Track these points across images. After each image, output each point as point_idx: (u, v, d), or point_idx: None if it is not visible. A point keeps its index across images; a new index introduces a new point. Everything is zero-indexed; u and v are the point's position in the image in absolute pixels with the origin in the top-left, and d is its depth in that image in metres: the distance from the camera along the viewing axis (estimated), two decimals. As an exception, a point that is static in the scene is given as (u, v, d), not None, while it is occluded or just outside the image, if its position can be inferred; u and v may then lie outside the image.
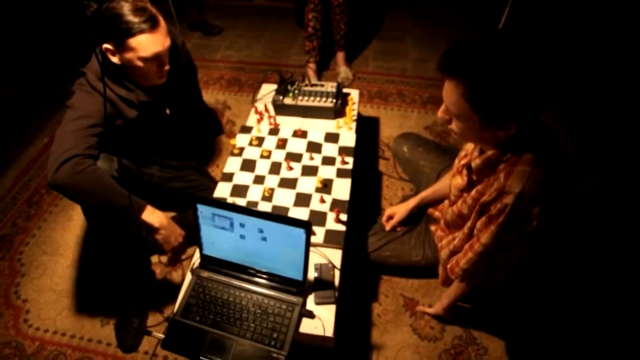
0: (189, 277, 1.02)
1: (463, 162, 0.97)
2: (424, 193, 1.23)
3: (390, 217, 1.27)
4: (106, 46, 1.01)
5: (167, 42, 1.05)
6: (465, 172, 0.93)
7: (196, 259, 1.05)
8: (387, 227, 1.26)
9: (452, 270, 0.97)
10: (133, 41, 0.99)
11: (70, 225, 1.54)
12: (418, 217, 1.27)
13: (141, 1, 0.99)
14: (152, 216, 1.06)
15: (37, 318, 1.29)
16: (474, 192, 0.89)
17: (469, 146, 1.00)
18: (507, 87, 0.68)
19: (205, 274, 1.01)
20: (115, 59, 1.04)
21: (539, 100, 0.71)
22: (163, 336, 0.93)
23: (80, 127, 0.99)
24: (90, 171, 0.97)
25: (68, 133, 0.98)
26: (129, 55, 1.01)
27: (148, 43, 1.00)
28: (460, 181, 0.97)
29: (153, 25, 0.99)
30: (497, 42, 0.70)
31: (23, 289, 1.37)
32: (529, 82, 0.68)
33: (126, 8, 0.97)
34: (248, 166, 1.28)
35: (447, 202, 1.13)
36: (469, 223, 0.90)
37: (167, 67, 1.10)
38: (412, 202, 1.24)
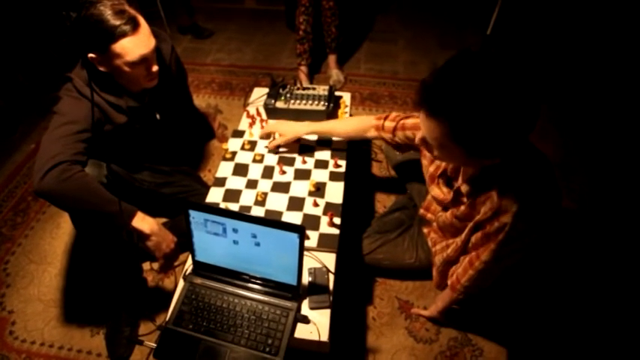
0: (181, 284, 1.01)
1: (435, 171, 0.96)
2: (318, 128, 1.25)
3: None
4: (91, 55, 0.99)
5: (152, 42, 1.03)
6: (442, 183, 0.93)
7: (189, 266, 1.03)
8: None
9: (453, 287, 0.97)
10: (117, 46, 0.97)
11: (58, 233, 1.51)
12: (410, 219, 1.27)
13: (119, 4, 0.96)
14: (142, 222, 1.04)
15: (24, 329, 1.25)
16: (463, 208, 0.88)
17: None
18: (492, 125, 0.66)
19: (198, 280, 1.00)
20: (102, 68, 1.02)
21: (523, 131, 0.69)
22: (155, 345, 0.91)
23: (67, 132, 0.97)
24: (78, 177, 0.95)
25: (55, 139, 0.96)
26: (115, 62, 1.00)
27: (132, 46, 0.98)
28: (440, 193, 0.96)
29: (134, 26, 0.97)
30: (476, 72, 0.65)
31: (9, 299, 1.33)
32: (513, 117, 0.66)
33: (106, 13, 0.94)
34: (240, 170, 1.27)
35: (437, 206, 1.13)
36: (463, 237, 0.90)
37: (156, 68, 1.08)
38: (303, 130, 1.25)
